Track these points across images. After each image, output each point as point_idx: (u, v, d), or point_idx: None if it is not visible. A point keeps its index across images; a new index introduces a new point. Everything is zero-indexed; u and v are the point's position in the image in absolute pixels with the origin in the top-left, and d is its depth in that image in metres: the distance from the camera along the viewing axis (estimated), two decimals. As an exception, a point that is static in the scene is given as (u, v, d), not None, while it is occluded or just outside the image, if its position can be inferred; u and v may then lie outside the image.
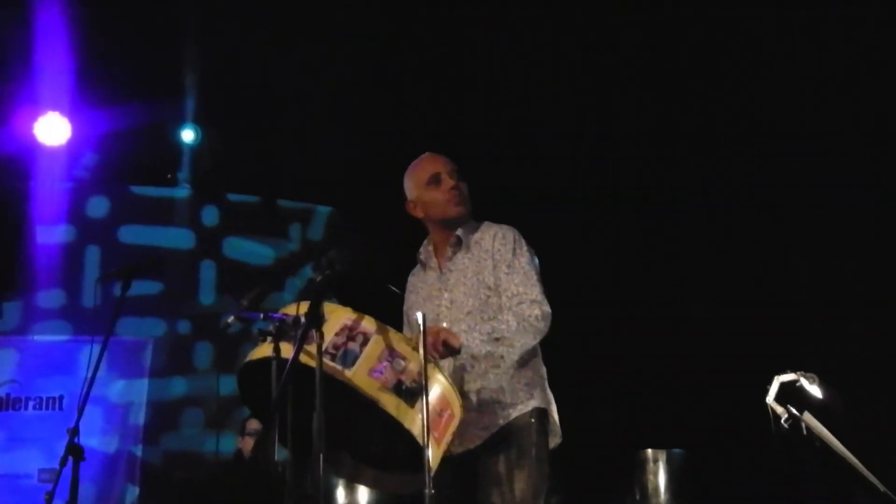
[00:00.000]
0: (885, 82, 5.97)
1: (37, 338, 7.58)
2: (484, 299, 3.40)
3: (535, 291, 3.33)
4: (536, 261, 3.48)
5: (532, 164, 7.24)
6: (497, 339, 3.20)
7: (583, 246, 6.98)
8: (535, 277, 3.38)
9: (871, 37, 6.00)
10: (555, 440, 3.47)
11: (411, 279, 3.74)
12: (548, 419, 3.42)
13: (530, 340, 3.30)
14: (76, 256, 7.93)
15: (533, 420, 3.36)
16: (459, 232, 3.53)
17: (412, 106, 7.39)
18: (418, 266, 3.71)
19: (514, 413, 3.34)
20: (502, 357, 3.30)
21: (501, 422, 3.33)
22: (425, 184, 3.55)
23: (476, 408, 3.30)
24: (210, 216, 8.42)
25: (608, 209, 7.26)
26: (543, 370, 3.51)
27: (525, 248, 3.46)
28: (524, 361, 3.41)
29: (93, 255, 8.01)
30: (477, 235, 3.52)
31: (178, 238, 8.23)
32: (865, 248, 5.99)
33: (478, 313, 3.39)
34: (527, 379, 3.42)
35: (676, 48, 6.85)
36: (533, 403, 3.38)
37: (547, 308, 3.31)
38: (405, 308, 3.73)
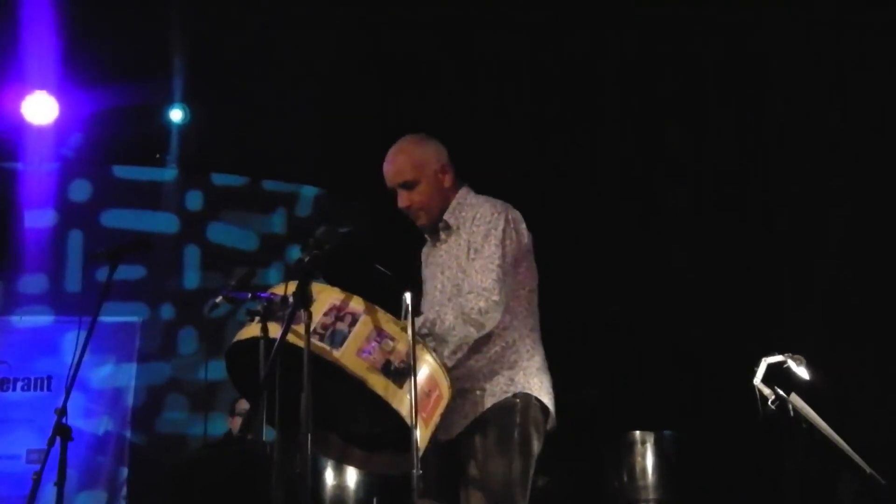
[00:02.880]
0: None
1: (24, 318, 7.56)
2: (460, 284, 3.33)
3: (489, 280, 3.21)
4: (515, 238, 3.36)
5: (518, 143, 7.21)
6: (425, 335, 3.09)
7: (575, 228, 6.98)
8: (496, 262, 3.25)
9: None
10: (548, 424, 3.38)
11: (424, 249, 3.68)
12: (535, 404, 3.33)
13: (472, 333, 3.20)
14: (59, 240, 7.90)
15: (518, 401, 3.29)
16: (447, 215, 3.47)
17: (400, 86, 7.37)
18: (428, 242, 3.65)
19: (493, 400, 3.28)
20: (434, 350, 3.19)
21: (481, 409, 3.28)
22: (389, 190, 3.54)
23: (456, 394, 3.19)
24: (194, 200, 8.38)
25: (604, 189, 7.25)
26: (533, 353, 3.40)
27: (501, 228, 3.32)
28: (507, 344, 3.34)
29: (75, 239, 7.98)
30: (468, 214, 3.43)
31: (162, 222, 8.19)
32: (852, 232, 6.02)
33: (456, 298, 3.31)
34: (509, 364, 3.34)
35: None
36: (515, 389, 3.30)
37: (495, 298, 3.19)
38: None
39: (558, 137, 7.36)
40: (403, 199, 3.46)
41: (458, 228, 3.44)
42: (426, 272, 3.62)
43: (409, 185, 3.44)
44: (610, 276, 6.91)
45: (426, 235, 3.62)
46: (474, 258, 3.29)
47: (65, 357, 7.05)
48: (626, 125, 7.26)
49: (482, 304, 3.18)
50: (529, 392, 3.32)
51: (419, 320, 3.09)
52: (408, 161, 3.46)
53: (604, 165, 7.31)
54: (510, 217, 3.39)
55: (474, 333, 3.21)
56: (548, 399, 3.38)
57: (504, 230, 3.33)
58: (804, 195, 6.34)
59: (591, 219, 7.07)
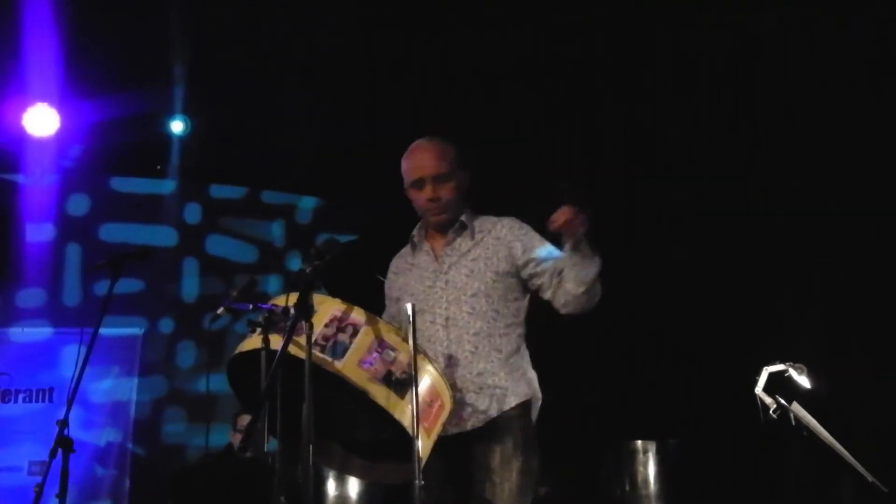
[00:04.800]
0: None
1: (25, 330, 7.55)
2: (490, 283, 3.43)
3: None
4: None
5: (515, 144, 7.22)
6: (590, 290, 3.34)
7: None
8: None
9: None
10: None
11: (396, 261, 3.73)
12: (537, 407, 3.47)
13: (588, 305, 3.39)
14: (57, 254, 7.90)
15: (526, 410, 3.40)
16: (464, 217, 3.55)
17: (398, 95, 7.38)
18: (407, 248, 3.70)
19: (511, 402, 3.36)
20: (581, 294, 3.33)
21: (496, 411, 3.33)
22: (410, 184, 3.56)
23: (476, 389, 3.33)
24: (193, 213, 8.39)
25: (603, 196, 7.24)
26: (528, 359, 3.54)
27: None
28: (517, 347, 3.46)
29: (73, 253, 7.99)
30: (482, 225, 3.55)
31: (161, 235, 8.20)
32: (853, 240, 6.01)
33: (483, 296, 3.41)
34: (521, 367, 3.46)
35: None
36: (530, 392, 3.43)
37: None
38: (388, 289, 3.72)
39: (555, 138, 7.38)
40: (432, 192, 3.49)
41: (473, 235, 3.53)
42: (406, 279, 3.62)
43: (442, 179, 3.49)
44: (610, 282, 6.90)
45: (413, 241, 3.65)
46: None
47: (66, 369, 7.05)
48: (624, 126, 7.28)
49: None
50: (538, 396, 3.48)
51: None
52: (446, 156, 3.53)
53: (603, 169, 7.32)
54: None
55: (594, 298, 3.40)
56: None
57: None
58: (805, 201, 6.34)
59: (598, 223, 7.07)
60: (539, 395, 3.48)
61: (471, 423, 3.32)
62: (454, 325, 3.39)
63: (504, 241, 3.48)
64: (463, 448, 3.32)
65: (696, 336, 6.51)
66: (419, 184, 3.51)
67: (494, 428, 3.33)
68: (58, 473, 3.69)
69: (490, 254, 3.47)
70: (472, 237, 3.53)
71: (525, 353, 3.52)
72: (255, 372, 2.90)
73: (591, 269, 3.31)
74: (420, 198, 3.52)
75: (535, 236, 3.48)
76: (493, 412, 3.33)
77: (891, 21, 5.98)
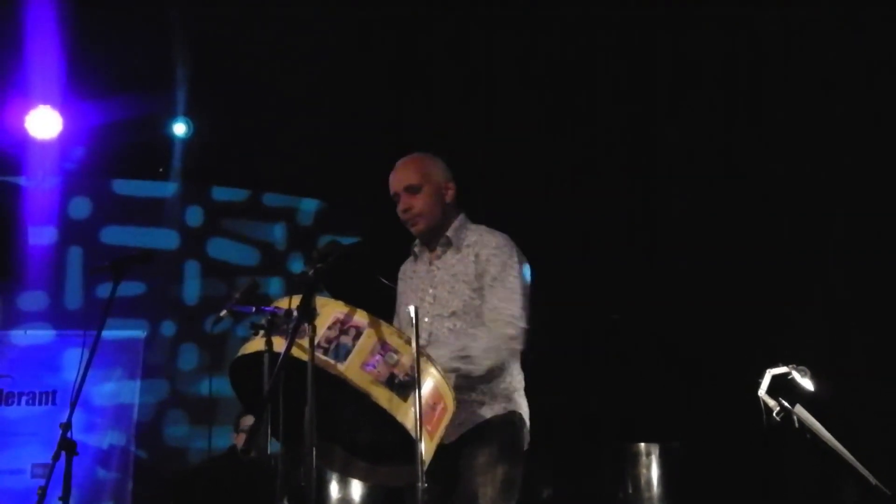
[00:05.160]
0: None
1: (28, 333, 7.56)
2: (468, 301, 3.45)
3: (515, 308, 3.38)
4: (527, 272, 3.51)
5: (514, 146, 7.22)
6: (464, 357, 3.25)
7: (577, 236, 6.98)
8: (518, 293, 3.41)
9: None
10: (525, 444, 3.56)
11: (403, 266, 3.81)
12: (523, 424, 3.51)
13: (503, 357, 3.38)
14: (59, 257, 7.91)
15: (513, 420, 3.46)
16: (450, 232, 3.58)
17: (400, 99, 7.38)
18: (412, 256, 3.76)
19: (489, 414, 3.41)
20: (469, 373, 3.32)
21: (480, 419, 3.40)
22: (392, 198, 3.65)
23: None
24: (194, 215, 8.40)
25: (604, 201, 7.25)
26: (520, 377, 3.57)
27: (516, 260, 3.48)
28: (502, 369, 3.46)
29: (75, 256, 7.99)
30: (471, 238, 3.56)
31: (163, 238, 8.20)
32: (857, 241, 6.01)
33: (462, 315, 3.46)
34: (505, 383, 3.48)
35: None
36: (510, 407, 3.47)
37: (522, 324, 3.37)
38: (398, 293, 3.79)
39: (555, 140, 7.37)
40: (404, 203, 3.58)
41: (459, 249, 3.55)
42: (405, 286, 3.73)
43: (412, 190, 3.57)
44: (611, 286, 6.90)
45: (414, 251, 3.72)
46: (493, 286, 3.43)
47: (68, 372, 7.05)
48: (623, 128, 7.28)
49: (512, 331, 3.36)
50: (522, 413, 3.51)
51: (459, 345, 3.26)
52: (416, 168, 3.61)
53: (603, 172, 7.31)
54: (517, 249, 3.53)
55: (502, 358, 3.38)
56: (528, 422, 3.56)
57: (519, 262, 3.48)
58: (805, 201, 6.33)
59: (590, 227, 7.08)
60: (522, 410, 3.51)
61: (450, 437, 3.32)
62: (436, 340, 3.43)
63: (480, 258, 3.49)
64: (449, 454, 3.32)
65: (698, 337, 6.50)
66: (395, 198, 3.62)
67: (478, 434, 3.38)
68: (61, 476, 3.69)
69: (469, 269, 3.49)
70: (459, 250, 3.56)
71: (512, 370, 3.51)
72: (258, 375, 2.90)
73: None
74: (399, 211, 3.61)
75: (500, 266, 3.44)
76: (470, 424, 3.38)
77: (891, 21, 5.97)
